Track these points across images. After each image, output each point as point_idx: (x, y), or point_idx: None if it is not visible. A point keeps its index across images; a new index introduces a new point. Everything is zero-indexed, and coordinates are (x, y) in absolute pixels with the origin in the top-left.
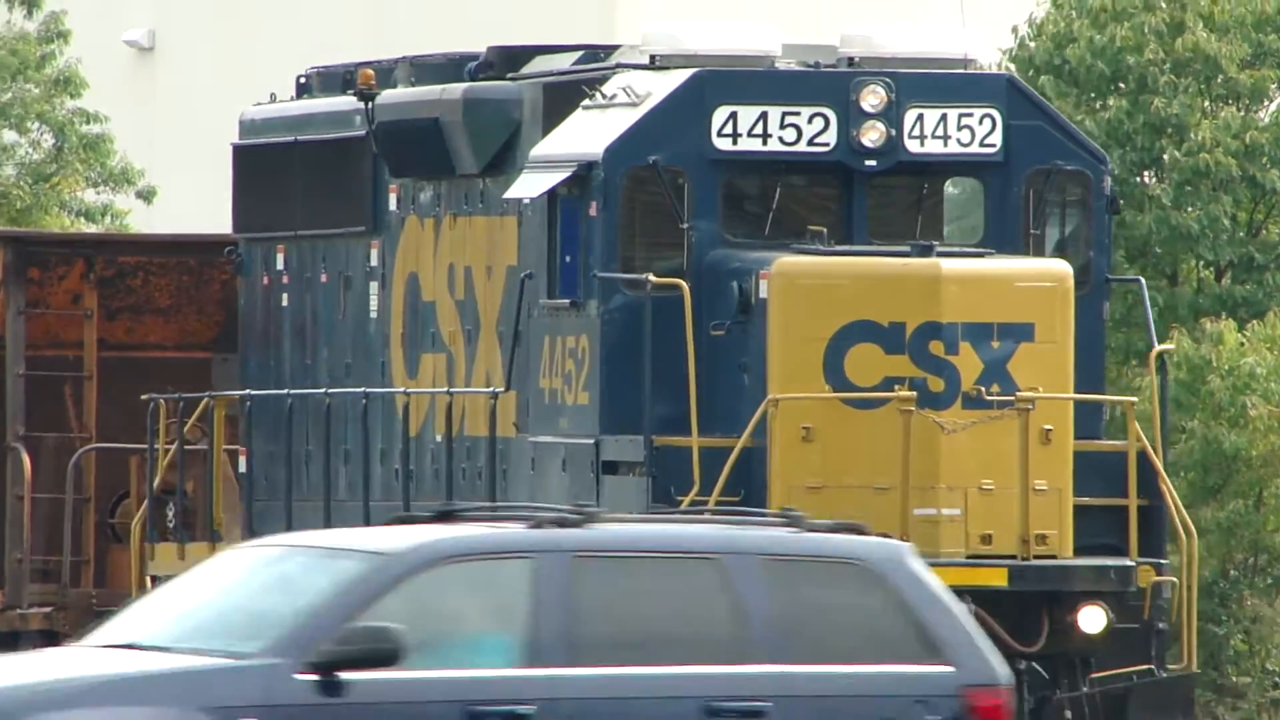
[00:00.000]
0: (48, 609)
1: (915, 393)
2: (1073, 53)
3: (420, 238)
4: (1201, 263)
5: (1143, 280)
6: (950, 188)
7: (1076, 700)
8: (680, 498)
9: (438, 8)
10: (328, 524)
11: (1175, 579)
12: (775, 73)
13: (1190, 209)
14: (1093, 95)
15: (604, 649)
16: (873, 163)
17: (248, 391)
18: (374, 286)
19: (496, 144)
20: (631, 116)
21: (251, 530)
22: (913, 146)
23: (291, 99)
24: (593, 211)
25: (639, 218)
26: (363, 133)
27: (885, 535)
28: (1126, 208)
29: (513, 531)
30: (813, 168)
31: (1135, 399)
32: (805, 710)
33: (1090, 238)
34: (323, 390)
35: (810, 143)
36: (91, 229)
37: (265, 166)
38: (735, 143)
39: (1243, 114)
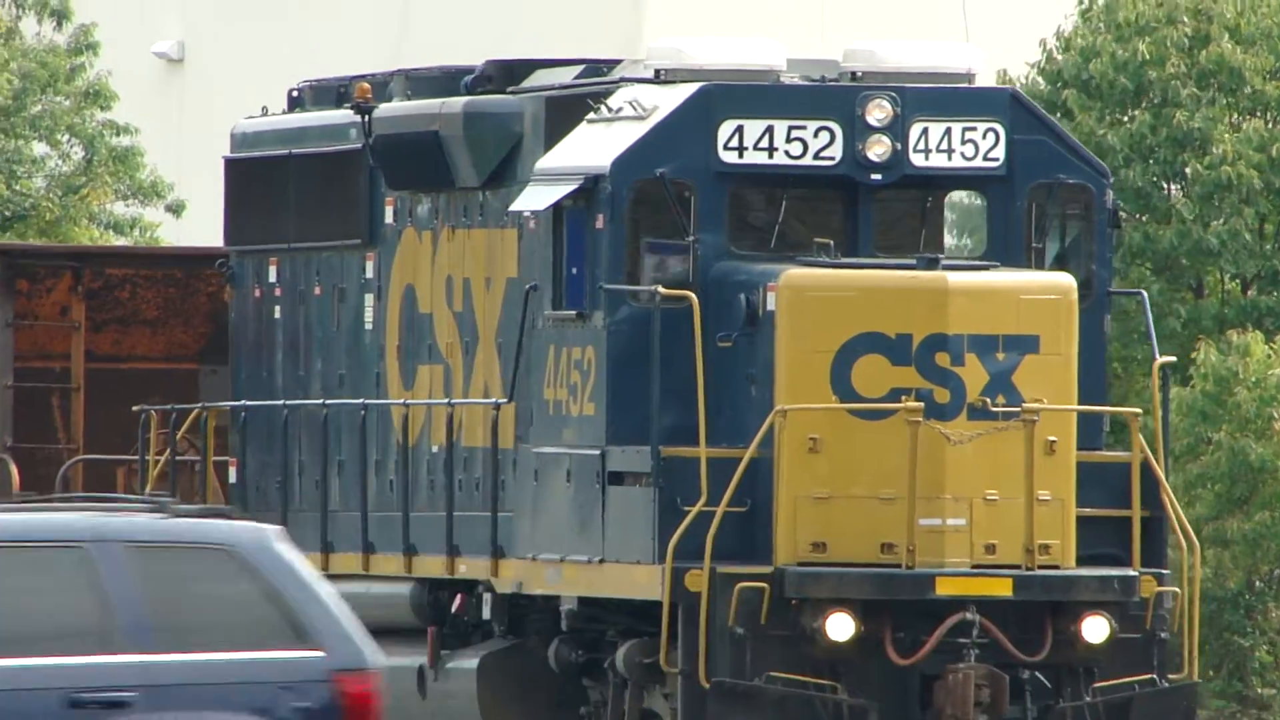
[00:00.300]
0: None
1: (922, 404)
2: (1096, 67)
3: (417, 250)
4: (1227, 275)
5: (1144, 294)
6: (962, 201)
7: (1079, 710)
8: (687, 508)
9: (462, 19)
10: (324, 534)
11: (1177, 589)
12: (781, 87)
13: (1213, 223)
14: (1117, 109)
15: None
16: (878, 176)
17: (244, 403)
18: (369, 298)
19: (497, 157)
20: (638, 130)
21: None
22: (917, 160)
23: (283, 112)
24: (599, 224)
25: (645, 230)
26: (359, 146)
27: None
28: (1150, 221)
29: None
30: (818, 181)
31: (1139, 411)
32: (171, 699)
33: (1092, 251)
34: (320, 401)
35: (816, 156)
36: (121, 242)
37: (258, 179)
38: (741, 156)
39: (1272, 125)
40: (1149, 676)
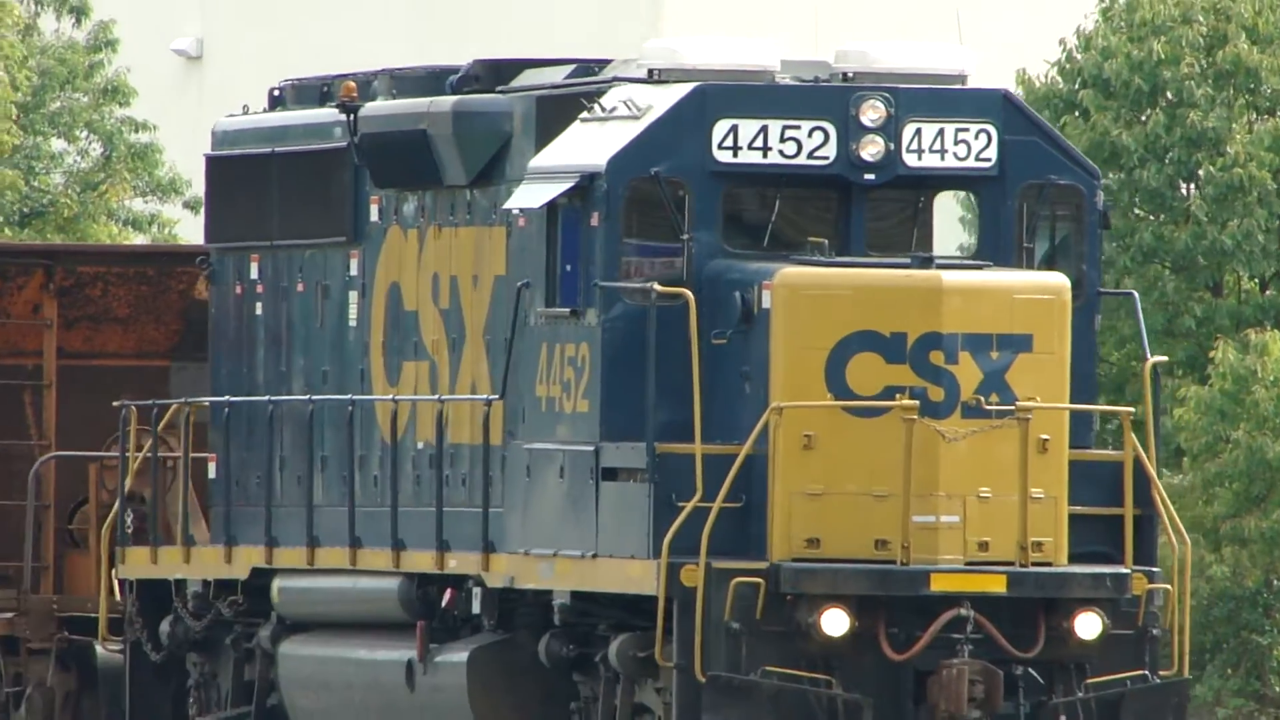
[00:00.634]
0: (9, 614)
1: (917, 402)
2: (1111, 68)
3: (403, 248)
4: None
5: (1135, 294)
6: (955, 204)
7: (1071, 705)
8: (682, 504)
9: (479, 15)
10: (309, 529)
11: (1169, 586)
12: (776, 87)
13: (1227, 223)
14: (1132, 109)
15: None
16: (871, 176)
17: (228, 398)
18: (354, 295)
19: (486, 156)
20: (633, 129)
21: (225, 534)
22: (910, 160)
23: (265, 111)
24: (594, 221)
25: (640, 228)
26: (344, 144)
27: None
28: (1165, 221)
29: None
30: (812, 181)
31: (1131, 409)
32: None
33: (1083, 252)
34: (306, 397)
35: (810, 156)
36: (140, 239)
37: (240, 177)
38: (736, 155)
39: None
40: (1141, 673)
